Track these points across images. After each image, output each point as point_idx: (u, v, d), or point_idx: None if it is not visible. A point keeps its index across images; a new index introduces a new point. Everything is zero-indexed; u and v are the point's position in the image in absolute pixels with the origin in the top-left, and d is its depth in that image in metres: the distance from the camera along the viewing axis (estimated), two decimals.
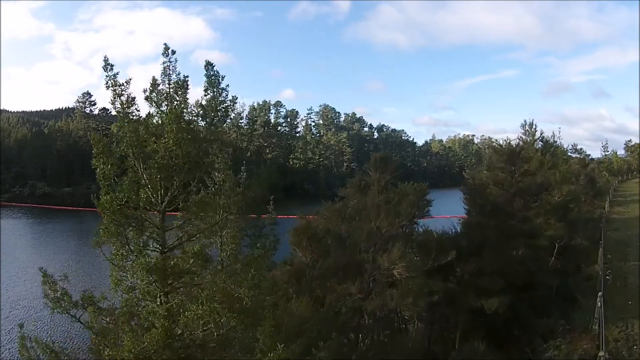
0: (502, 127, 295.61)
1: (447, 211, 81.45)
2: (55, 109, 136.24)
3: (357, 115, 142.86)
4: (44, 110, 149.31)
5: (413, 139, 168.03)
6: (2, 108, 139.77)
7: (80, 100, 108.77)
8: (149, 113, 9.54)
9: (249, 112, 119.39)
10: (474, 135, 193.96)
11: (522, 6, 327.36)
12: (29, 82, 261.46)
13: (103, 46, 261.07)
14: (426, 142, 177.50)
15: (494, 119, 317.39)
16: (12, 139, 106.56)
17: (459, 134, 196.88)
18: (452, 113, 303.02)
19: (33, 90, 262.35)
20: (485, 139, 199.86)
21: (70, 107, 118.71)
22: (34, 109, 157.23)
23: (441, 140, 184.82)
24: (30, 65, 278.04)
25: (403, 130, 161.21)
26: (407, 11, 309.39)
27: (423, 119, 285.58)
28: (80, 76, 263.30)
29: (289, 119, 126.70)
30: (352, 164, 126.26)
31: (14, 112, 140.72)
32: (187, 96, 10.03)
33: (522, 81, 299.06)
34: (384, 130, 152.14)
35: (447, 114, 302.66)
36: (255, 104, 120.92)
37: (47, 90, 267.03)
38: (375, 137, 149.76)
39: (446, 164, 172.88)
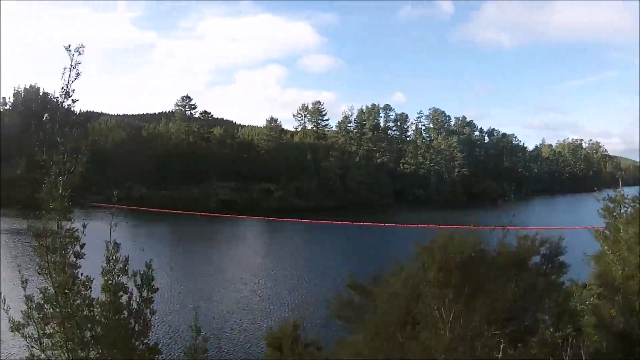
0: (607, 131, 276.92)
1: (554, 221, 73.89)
2: (158, 113, 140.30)
3: (468, 119, 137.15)
4: (146, 113, 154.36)
5: (523, 143, 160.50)
6: (102, 112, 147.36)
7: (179, 103, 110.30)
8: None
9: (357, 115, 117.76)
10: (582, 140, 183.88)
11: (624, 3, 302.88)
12: (132, 88, 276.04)
13: (208, 52, 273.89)
14: (536, 146, 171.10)
15: (599, 122, 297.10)
16: (109, 141, 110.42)
17: (568, 138, 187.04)
18: (558, 115, 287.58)
19: (137, 96, 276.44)
20: (593, 144, 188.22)
21: (170, 110, 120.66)
22: (135, 113, 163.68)
23: (550, 145, 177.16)
24: (133, 72, 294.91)
25: (513, 134, 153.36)
26: (510, 10, 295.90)
27: (531, 121, 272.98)
28: (185, 81, 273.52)
29: (398, 123, 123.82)
30: (463, 170, 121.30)
31: (114, 115, 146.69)
32: None
33: (625, 81, 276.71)
34: (495, 134, 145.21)
35: (553, 117, 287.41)
36: (364, 108, 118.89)
37: (152, 95, 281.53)
38: (485, 141, 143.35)
39: (556, 170, 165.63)
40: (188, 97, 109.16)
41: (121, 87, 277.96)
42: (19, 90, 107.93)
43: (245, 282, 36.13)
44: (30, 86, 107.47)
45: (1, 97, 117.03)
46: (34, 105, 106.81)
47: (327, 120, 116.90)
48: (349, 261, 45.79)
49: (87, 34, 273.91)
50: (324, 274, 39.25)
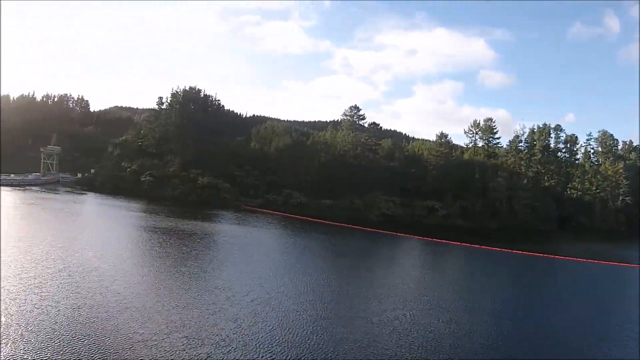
0: None
1: None
2: (330, 121, 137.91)
3: (634, 144, 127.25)
4: (318, 121, 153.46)
5: None
6: (270, 116, 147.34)
7: (347, 113, 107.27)
8: None
9: (528, 135, 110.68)
10: None
11: None
12: (307, 95, 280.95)
13: (385, 64, 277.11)
14: None
15: None
16: (272, 146, 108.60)
17: None
18: None
19: (309, 103, 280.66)
20: None
21: (338, 120, 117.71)
22: (306, 120, 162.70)
23: None
24: (308, 79, 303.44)
25: None
26: None
27: None
28: (363, 91, 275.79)
29: (567, 145, 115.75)
30: (627, 198, 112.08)
31: (283, 120, 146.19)
32: None
33: None
34: None
35: None
36: (535, 127, 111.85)
37: (328, 103, 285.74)
38: None
39: None
40: (357, 107, 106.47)
41: (296, 94, 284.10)
42: (178, 91, 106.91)
43: (381, 312, 30.47)
44: (190, 87, 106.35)
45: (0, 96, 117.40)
46: (193, 106, 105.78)
47: (498, 138, 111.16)
48: (507, 300, 39.11)
49: (258, 41, 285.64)
50: (473, 312, 32.81)
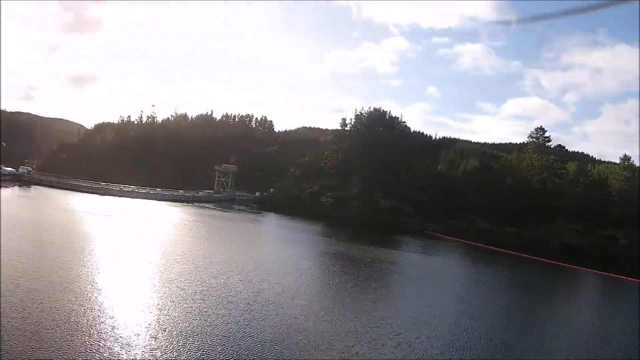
0: None
1: None
2: (518, 143, 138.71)
3: None
4: (509, 143, 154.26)
5: None
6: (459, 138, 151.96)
7: (533, 135, 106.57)
8: None
9: None
10: None
11: None
12: (499, 116, 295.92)
13: (573, 84, 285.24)
14: None
15: None
16: (460, 170, 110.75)
17: None
18: None
19: (504, 124, 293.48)
20: None
21: (524, 142, 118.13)
22: (497, 142, 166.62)
23: None
24: (500, 100, 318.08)
25: None
26: None
27: None
28: (553, 112, 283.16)
29: None
30: None
31: (474, 142, 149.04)
32: None
33: None
34: None
35: None
36: None
37: (520, 124, 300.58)
38: None
39: None
40: (542, 129, 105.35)
41: (486, 114, 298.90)
42: (361, 112, 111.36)
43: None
44: (375, 109, 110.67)
45: None
46: (380, 127, 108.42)
47: None
48: None
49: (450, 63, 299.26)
50: None
